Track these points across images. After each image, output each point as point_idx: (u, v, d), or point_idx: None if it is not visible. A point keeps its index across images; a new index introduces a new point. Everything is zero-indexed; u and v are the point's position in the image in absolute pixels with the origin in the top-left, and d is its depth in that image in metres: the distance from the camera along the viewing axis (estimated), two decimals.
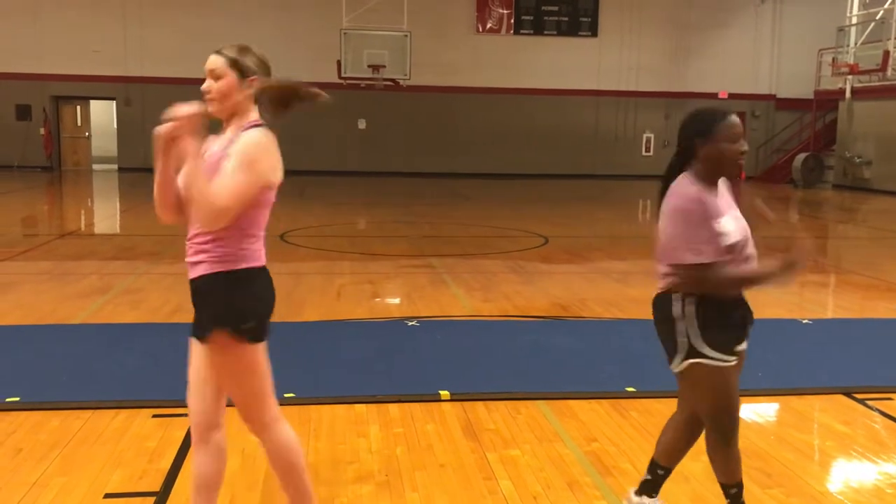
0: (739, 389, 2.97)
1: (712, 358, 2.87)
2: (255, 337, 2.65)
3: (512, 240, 11.39)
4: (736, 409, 2.98)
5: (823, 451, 4.06)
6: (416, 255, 9.87)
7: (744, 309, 2.96)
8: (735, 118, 2.88)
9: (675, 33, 25.37)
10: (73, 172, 23.39)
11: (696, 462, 3.82)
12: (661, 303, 2.93)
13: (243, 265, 2.61)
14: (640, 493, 3.24)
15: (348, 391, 4.65)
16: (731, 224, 2.82)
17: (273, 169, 2.59)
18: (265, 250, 2.69)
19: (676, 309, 2.88)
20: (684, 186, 2.82)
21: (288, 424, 2.84)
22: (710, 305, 2.87)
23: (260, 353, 2.70)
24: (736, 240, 2.81)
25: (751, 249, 2.90)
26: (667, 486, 3.56)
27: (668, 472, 3.21)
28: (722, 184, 2.97)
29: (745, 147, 2.86)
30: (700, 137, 2.84)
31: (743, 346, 2.98)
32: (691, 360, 2.89)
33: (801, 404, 4.68)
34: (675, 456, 3.19)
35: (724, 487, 3.11)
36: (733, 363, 2.92)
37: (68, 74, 23.08)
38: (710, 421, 3.00)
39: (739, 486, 3.08)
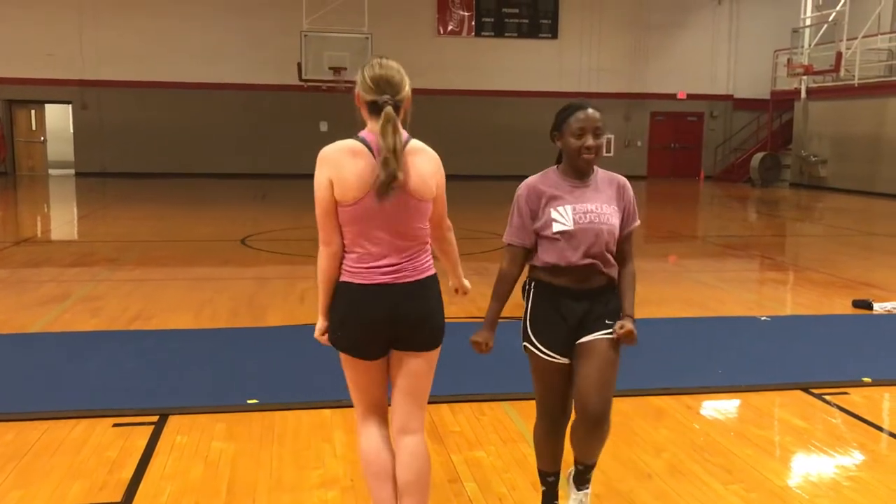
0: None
1: (535, 346, 2.95)
2: (335, 344, 2.89)
3: (476, 241, 11.40)
4: (556, 404, 3.02)
5: (783, 446, 4.13)
6: None
7: (588, 305, 2.89)
8: (584, 112, 2.84)
9: (634, 35, 25.64)
10: (28, 178, 22.92)
11: (658, 459, 3.87)
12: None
13: (341, 279, 2.80)
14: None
15: (312, 396, 4.62)
16: (567, 214, 2.84)
17: (317, 183, 2.69)
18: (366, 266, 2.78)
19: (524, 292, 3.03)
20: (529, 178, 2.98)
21: (368, 435, 3.03)
22: (543, 295, 2.93)
23: (345, 361, 2.95)
24: (564, 229, 2.84)
25: (589, 239, 2.84)
26: (630, 483, 3.60)
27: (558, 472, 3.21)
28: (605, 180, 2.95)
29: (591, 142, 2.82)
30: (556, 131, 2.93)
31: (586, 339, 2.88)
32: (524, 343, 3.00)
33: (760, 400, 4.75)
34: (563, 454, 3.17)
35: (542, 475, 3.18)
36: (556, 360, 2.92)
37: (22, 78, 22.60)
38: (537, 406, 3.09)
39: (557, 476, 3.16)
